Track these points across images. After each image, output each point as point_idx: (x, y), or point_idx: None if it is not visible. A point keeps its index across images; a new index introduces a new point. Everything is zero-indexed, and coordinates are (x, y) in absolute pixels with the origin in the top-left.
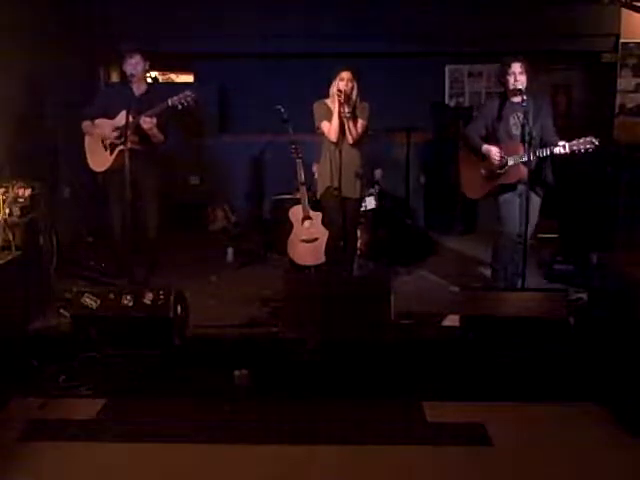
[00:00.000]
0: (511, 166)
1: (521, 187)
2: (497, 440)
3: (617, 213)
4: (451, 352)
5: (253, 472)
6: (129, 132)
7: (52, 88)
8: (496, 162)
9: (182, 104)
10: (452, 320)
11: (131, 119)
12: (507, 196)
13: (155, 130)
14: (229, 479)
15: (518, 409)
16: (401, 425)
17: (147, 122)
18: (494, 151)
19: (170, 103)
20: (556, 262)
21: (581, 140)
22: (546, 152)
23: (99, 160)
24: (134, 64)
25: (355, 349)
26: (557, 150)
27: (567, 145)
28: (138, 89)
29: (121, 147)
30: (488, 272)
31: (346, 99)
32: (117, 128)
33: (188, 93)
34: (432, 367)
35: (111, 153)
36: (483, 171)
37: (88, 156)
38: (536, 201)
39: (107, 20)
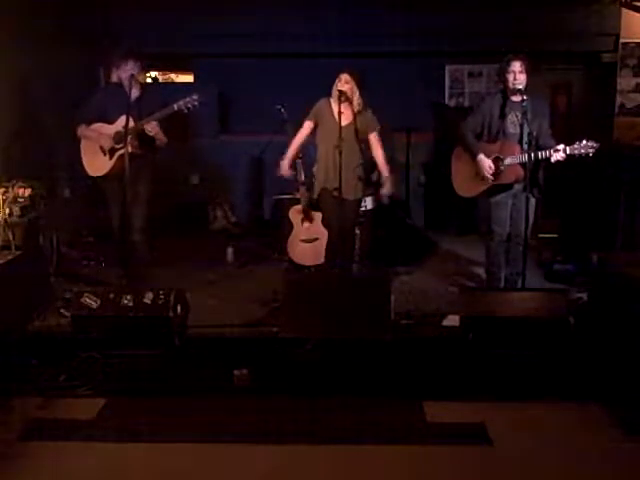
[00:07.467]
0: (508, 166)
1: (516, 188)
2: (497, 440)
3: (617, 213)
4: (451, 352)
5: (253, 472)
6: (130, 137)
7: (52, 88)
8: (487, 175)
9: (188, 108)
10: (452, 320)
11: (132, 124)
12: (499, 197)
13: (160, 134)
14: (229, 479)
15: (518, 409)
16: (401, 425)
17: (153, 127)
18: (487, 165)
19: (176, 107)
20: (556, 262)
21: (581, 144)
22: (545, 154)
23: (97, 165)
24: (129, 67)
25: (355, 349)
26: (556, 155)
27: (567, 149)
28: (133, 92)
29: (121, 152)
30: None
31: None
32: (117, 133)
33: (195, 97)
34: (432, 367)
35: (110, 158)
36: (477, 171)
37: (84, 160)
38: (531, 202)
39: (107, 20)
